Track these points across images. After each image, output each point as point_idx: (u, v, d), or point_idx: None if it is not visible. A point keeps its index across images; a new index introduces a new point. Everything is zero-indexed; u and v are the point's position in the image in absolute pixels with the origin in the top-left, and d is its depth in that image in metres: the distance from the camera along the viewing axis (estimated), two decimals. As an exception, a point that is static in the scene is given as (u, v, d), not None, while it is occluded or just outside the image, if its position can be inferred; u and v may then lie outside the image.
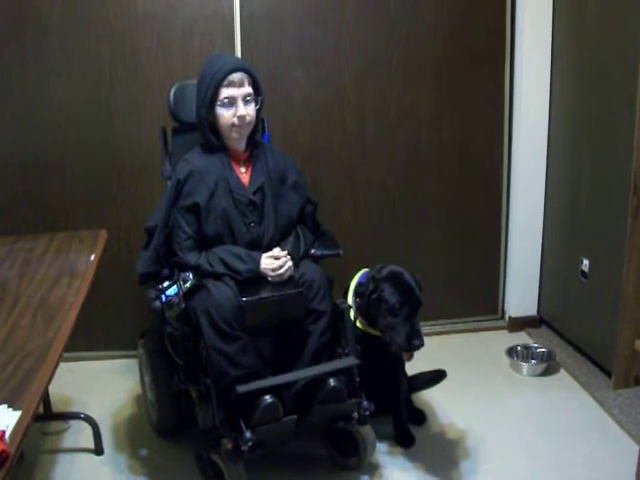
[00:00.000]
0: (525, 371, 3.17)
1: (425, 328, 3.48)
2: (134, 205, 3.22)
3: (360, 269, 2.58)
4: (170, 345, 2.51)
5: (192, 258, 2.37)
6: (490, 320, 3.71)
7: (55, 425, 2.81)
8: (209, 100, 2.38)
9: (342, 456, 2.54)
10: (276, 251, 2.38)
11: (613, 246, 2.87)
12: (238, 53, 3.14)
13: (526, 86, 3.33)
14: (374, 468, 2.52)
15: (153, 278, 2.44)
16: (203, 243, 2.41)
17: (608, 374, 3.00)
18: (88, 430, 2.68)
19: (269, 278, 2.35)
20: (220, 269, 2.32)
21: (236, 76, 2.37)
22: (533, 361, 3.23)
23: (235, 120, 2.39)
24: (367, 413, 2.32)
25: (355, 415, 2.32)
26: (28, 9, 3.00)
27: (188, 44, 3.12)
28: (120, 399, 3.04)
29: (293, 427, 2.22)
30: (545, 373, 3.16)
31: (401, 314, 2.30)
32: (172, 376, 2.56)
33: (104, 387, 3.13)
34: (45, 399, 2.73)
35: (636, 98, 2.63)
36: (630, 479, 2.19)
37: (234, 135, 2.43)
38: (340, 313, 2.40)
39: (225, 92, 2.37)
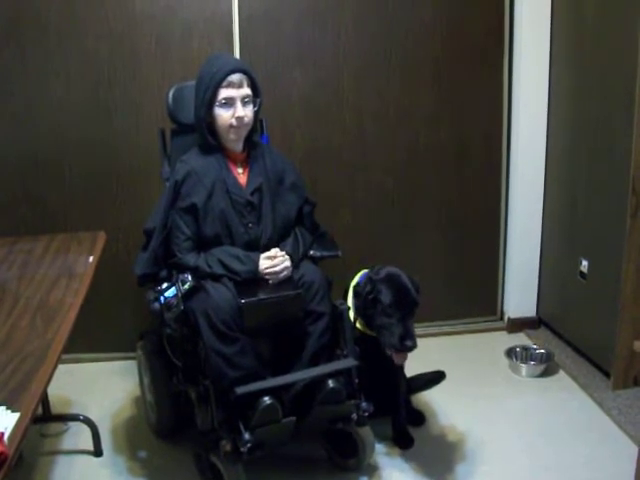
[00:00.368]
0: (524, 372, 3.17)
1: (424, 329, 3.53)
2: (133, 206, 3.22)
3: (359, 270, 2.58)
4: (169, 346, 2.51)
5: (191, 259, 2.37)
6: (489, 321, 3.71)
7: (54, 427, 2.81)
8: (208, 100, 2.38)
9: (341, 457, 2.54)
10: (273, 251, 2.38)
11: (612, 247, 2.87)
12: (237, 54, 3.14)
13: (525, 87, 3.33)
14: (373, 469, 2.52)
15: (152, 279, 2.44)
16: (201, 244, 2.41)
17: (607, 375, 3.00)
18: (87, 432, 2.68)
19: (267, 278, 2.35)
20: (219, 270, 2.32)
21: (235, 77, 2.37)
22: (532, 362, 3.23)
23: (233, 121, 2.39)
24: (366, 414, 2.32)
25: (354, 416, 2.32)
26: (27, 9, 3.00)
27: (187, 45, 3.12)
28: (119, 401, 3.03)
29: (292, 428, 2.22)
30: (544, 374, 3.16)
31: (395, 315, 2.31)
32: (171, 377, 2.56)
33: (103, 389, 3.13)
34: (44, 401, 2.72)
35: (635, 99, 2.63)
36: (629, 479, 2.19)
37: (232, 136, 2.43)
38: (339, 314, 2.39)
39: (224, 93, 2.37)
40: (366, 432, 2.43)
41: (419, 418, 2.81)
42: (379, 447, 2.60)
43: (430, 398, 2.96)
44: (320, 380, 2.24)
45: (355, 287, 2.51)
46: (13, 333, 1.80)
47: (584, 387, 3.01)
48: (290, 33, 3.20)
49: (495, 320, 3.72)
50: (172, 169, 2.60)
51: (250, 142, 2.52)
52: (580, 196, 3.18)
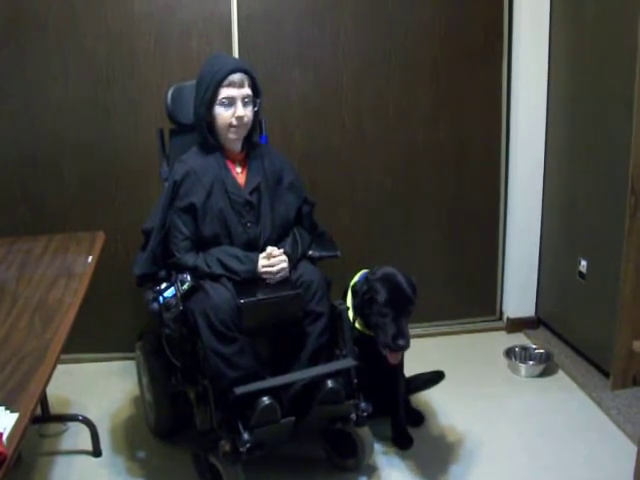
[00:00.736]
0: (523, 372, 3.17)
1: (423, 329, 3.53)
2: (132, 206, 3.22)
3: (358, 270, 2.58)
4: (168, 347, 2.51)
5: (189, 259, 2.37)
6: (488, 321, 3.71)
7: (53, 427, 2.81)
8: (208, 99, 2.38)
9: (340, 457, 2.54)
10: (270, 249, 2.37)
11: (611, 247, 2.87)
12: (236, 54, 3.14)
13: (524, 85, 3.33)
14: (372, 469, 2.52)
15: (150, 280, 2.44)
16: (200, 244, 2.41)
17: (606, 375, 3.00)
18: (86, 432, 2.68)
19: (264, 277, 2.35)
20: (218, 270, 2.32)
21: (237, 77, 2.37)
22: (531, 362, 3.23)
23: (233, 120, 2.39)
24: (365, 414, 2.32)
25: (353, 416, 2.32)
26: (26, 9, 3.00)
27: (186, 45, 3.12)
28: (118, 401, 3.03)
29: (291, 428, 2.22)
30: (543, 374, 3.16)
31: (389, 314, 2.32)
32: (170, 378, 2.56)
33: (102, 389, 3.13)
34: (43, 401, 2.72)
35: (634, 97, 2.63)
36: (628, 479, 2.19)
37: (231, 136, 2.43)
38: (338, 314, 2.39)
39: (225, 92, 2.37)
40: (365, 432, 2.43)
41: (418, 418, 2.81)
42: (378, 447, 2.60)
43: (429, 398, 2.96)
44: (319, 380, 2.24)
45: (353, 287, 2.51)
46: (12, 333, 1.80)
47: (583, 387, 3.01)
48: (289, 33, 3.20)
49: (494, 320, 3.72)
50: (171, 169, 2.60)
51: (249, 142, 2.52)
52: (579, 196, 3.18)
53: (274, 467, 2.50)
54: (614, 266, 2.82)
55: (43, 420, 2.77)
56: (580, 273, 3.17)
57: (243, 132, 2.45)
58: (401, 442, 2.65)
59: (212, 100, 2.38)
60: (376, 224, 3.48)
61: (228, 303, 2.22)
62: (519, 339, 3.53)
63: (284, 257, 2.37)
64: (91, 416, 2.74)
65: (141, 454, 2.66)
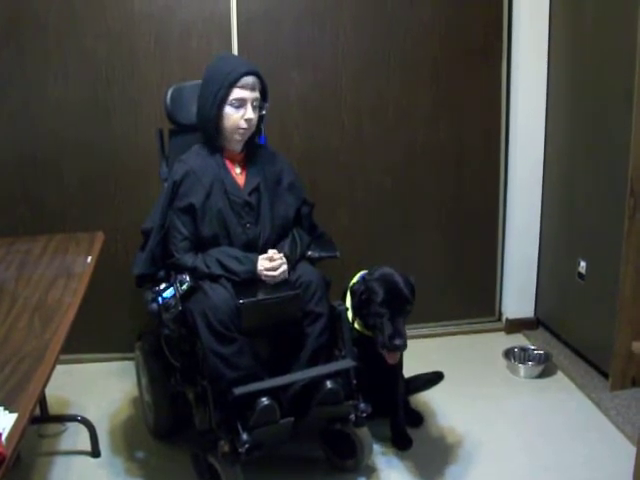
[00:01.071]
0: (522, 373, 3.17)
1: (422, 330, 3.53)
2: (131, 207, 3.22)
3: (357, 271, 2.58)
4: (167, 347, 2.51)
5: (189, 260, 2.37)
6: (487, 322, 3.71)
7: (52, 427, 2.81)
8: (220, 98, 2.37)
9: (339, 458, 2.54)
10: (271, 252, 2.38)
11: (610, 247, 2.87)
12: (235, 54, 3.14)
13: (523, 86, 3.33)
14: (371, 470, 2.52)
15: (150, 280, 2.44)
16: (199, 244, 2.41)
17: (605, 375, 3.00)
18: (85, 432, 2.68)
19: (264, 279, 2.35)
20: (217, 270, 2.32)
21: (250, 79, 2.38)
22: (530, 363, 3.23)
23: (242, 122, 2.39)
24: (364, 415, 2.32)
25: (352, 417, 2.32)
26: (26, 9, 3.00)
27: (185, 45, 3.12)
28: (117, 401, 3.03)
29: (290, 429, 2.22)
30: (542, 375, 3.16)
31: (386, 313, 2.32)
32: (169, 378, 2.55)
33: (101, 389, 3.13)
34: (42, 401, 2.72)
35: (634, 97, 2.63)
36: (627, 479, 2.20)
37: (237, 137, 2.43)
38: (337, 315, 2.39)
39: (237, 93, 2.37)
40: (364, 433, 2.43)
41: (417, 419, 2.81)
42: (377, 448, 2.60)
43: (428, 399, 2.96)
44: (318, 381, 2.24)
45: (351, 287, 2.51)
46: (11, 333, 1.79)
47: (582, 388, 3.01)
48: (289, 33, 3.20)
49: (493, 321, 3.72)
50: (170, 169, 2.60)
51: (249, 143, 2.52)
52: (578, 197, 3.18)
53: (273, 468, 2.49)
54: (613, 267, 2.83)
55: (42, 420, 2.77)
56: (579, 274, 3.17)
57: (248, 134, 2.45)
58: (400, 443, 2.65)
59: (223, 100, 2.38)
60: (375, 225, 3.48)
61: (227, 303, 2.22)
62: (518, 340, 3.53)
63: (284, 260, 2.37)
64: (90, 416, 2.73)
65: (140, 454, 2.66)
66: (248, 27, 3.14)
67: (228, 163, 2.48)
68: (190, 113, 2.62)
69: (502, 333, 3.64)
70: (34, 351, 1.68)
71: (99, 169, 3.20)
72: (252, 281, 2.34)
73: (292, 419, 2.20)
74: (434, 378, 2.92)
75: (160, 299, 2.30)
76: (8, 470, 1.25)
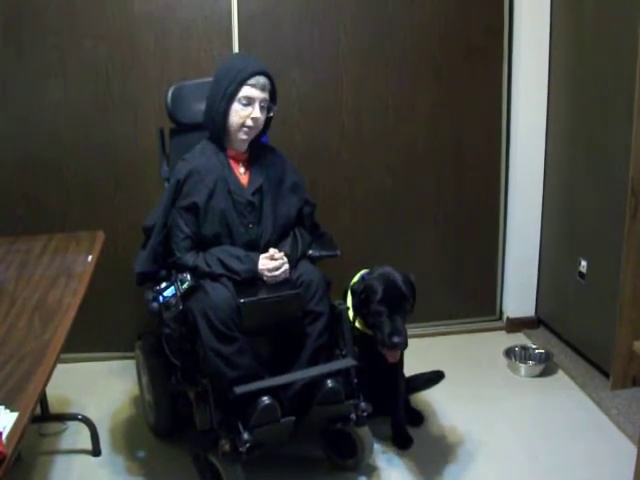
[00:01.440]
0: (523, 372, 3.17)
1: (423, 329, 3.53)
2: (132, 206, 3.22)
3: (358, 270, 2.58)
4: (167, 346, 2.51)
5: (190, 259, 2.37)
6: (488, 321, 3.71)
7: (52, 426, 2.81)
8: (230, 94, 2.37)
9: (340, 457, 2.54)
10: (272, 251, 2.37)
11: (611, 247, 2.87)
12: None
13: (524, 86, 3.33)
14: (372, 469, 2.52)
15: (150, 278, 2.44)
16: (201, 243, 2.41)
17: (606, 375, 3.00)
18: (85, 431, 2.68)
19: (264, 278, 2.35)
20: (218, 269, 2.32)
21: (261, 79, 2.38)
22: (531, 362, 3.23)
23: (248, 121, 2.39)
24: (365, 414, 2.32)
25: (353, 416, 2.32)
26: (26, 9, 2.99)
27: (186, 44, 3.12)
28: (118, 400, 3.03)
29: (291, 428, 2.22)
30: (543, 374, 3.16)
31: (384, 311, 2.33)
32: (169, 377, 2.55)
33: (102, 388, 3.13)
34: (42, 400, 2.72)
35: (634, 98, 2.63)
36: (628, 479, 2.19)
37: (241, 136, 2.43)
38: (338, 314, 2.39)
39: (247, 91, 2.37)
40: (365, 432, 2.43)
41: (418, 418, 2.81)
42: (378, 447, 2.60)
43: (429, 398, 2.96)
44: (319, 380, 2.24)
45: (352, 286, 2.52)
46: (11, 333, 1.79)
47: (583, 387, 3.01)
48: (289, 33, 3.20)
49: (494, 320, 3.72)
50: (171, 168, 2.60)
51: (253, 143, 2.52)
52: (579, 196, 3.18)
53: (274, 467, 2.49)
54: (614, 266, 2.82)
55: (43, 419, 2.76)
56: (580, 273, 3.16)
57: (253, 134, 2.45)
58: (401, 442, 2.65)
59: (232, 96, 2.37)
60: (376, 224, 3.48)
61: (228, 303, 2.22)
62: (519, 339, 3.53)
63: (285, 259, 2.37)
64: (91, 415, 2.73)
65: (140, 454, 2.66)
66: (249, 27, 3.14)
67: (232, 163, 2.48)
68: (191, 112, 2.62)
69: (503, 332, 3.64)
70: (34, 351, 1.68)
71: (99, 168, 3.20)
72: (253, 280, 2.34)
73: (293, 418, 2.20)
74: (435, 377, 2.92)
75: (161, 298, 2.30)
76: (9, 469, 1.25)
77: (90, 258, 2.40)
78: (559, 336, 3.45)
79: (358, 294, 2.43)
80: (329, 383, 2.22)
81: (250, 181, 2.47)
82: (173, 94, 2.65)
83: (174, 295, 2.29)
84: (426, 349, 3.34)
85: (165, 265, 2.44)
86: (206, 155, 2.46)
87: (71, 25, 3.03)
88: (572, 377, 3.11)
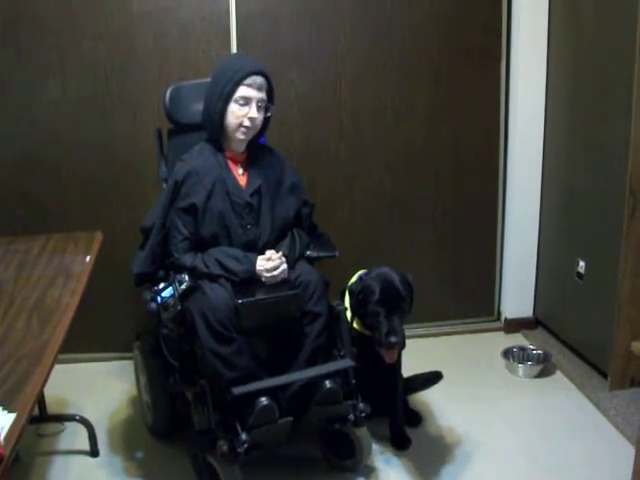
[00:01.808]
0: (521, 373, 3.17)
1: (421, 329, 3.53)
2: (130, 206, 3.21)
3: (356, 270, 2.58)
4: (165, 347, 2.50)
5: (188, 260, 2.36)
6: (486, 321, 3.71)
7: (50, 427, 2.81)
8: (227, 94, 2.37)
9: (338, 458, 2.54)
10: (269, 253, 2.37)
11: (609, 247, 2.87)
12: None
13: (522, 86, 3.33)
14: (370, 470, 2.52)
15: (148, 279, 2.44)
16: (199, 244, 2.41)
17: (604, 375, 3.00)
18: (83, 432, 2.68)
19: (263, 279, 2.35)
20: (216, 270, 2.32)
21: (258, 79, 2.38)
22: (529, 363, 3.23)
23: (245, 121, 2.39)
24: (363, 415, 2.32)
25: (351, 417, 2.32)
26: (24, 9, 2.99)
27: (184, 45, 3.12)
28: (116, 401, 3.03)
29: (289, 429, 2.22)
30: (541, 375, 3.16)
31: (382, 311, 2.33)
32: (168, 378, 2.55)
33: (100, 389, 3.13)
34: (40, 401, 2.71)
35: (632, 98, 2.63)
36: (626, 480, 2.20)
37: (239, 136, 2.42)
38: (336, 315, 2.40)
39: (243, 91, 2.37)
40: (363, 433, 2.43)
41: (416, 419, 2.81)
42: (376, 447, 2.60)
43: (427, 398, 2.96)
44: (317, 380, 2.24)
45: (349, 287, 2.52)
46: (9, 333, 1.79)
47: (581, 388, 3.01)
48: (287, 33, 3.20)
49: (492, 320, 3.72)
50: (169, 169, 2.60)
51: (252, 144, 2.52)
52: (577, 196, 3.18)
53: (272, 467, 2.49)
54: (612, 267, 2.82)
55: (41, 420, 2.76)
56: (578, 274, 3.17)
57: (251, 135, 2.45)
58: (399, 442, 2.65)
59: (229, 96, 2.38)
60: (374, 224, 3.48)
61: (226, 303, 2.22)
62: (517, 340, 3.53)
63: (283, 259, 2.37)
64: (89, 416, 2.73)
65: (139, 454, 2.66)
66: (247, 27, 3.14)
67: (230, 164, 2.48)
68: (189, 112, 2.62)
69: (501, 333, 3.64)
70: (32, 351, 1.68)
71: (98, 169, 3.20)
72: (251, 281, 2.34)
73: (291, 419, 2.20)
74: (433, 378, 2.92)
75: (159, 298, 2.30)
76: (7, 469, 1.25)
77: (88, 258, 2.40)
78: (557, 337, 3.45)
79: (356, 295, 2.44)
80: (327, 384, 2.22)
81: (248, 182, 2.47)
82: (171, 94, 2.65)
83: (172, 296, 2.29)
84: (424, 350, 3.34)
85: (163, 266, 2.44)
86: (204, 156, 2.46)
87: (70, 25, 3.03)
88: (570, 378, 3.11)
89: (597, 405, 2.86)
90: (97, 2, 3.02)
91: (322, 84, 3.28)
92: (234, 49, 3.14)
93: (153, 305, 2.31)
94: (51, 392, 2.81)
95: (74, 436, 2.75)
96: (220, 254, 2.35)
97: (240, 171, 2.49)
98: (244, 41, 3.15)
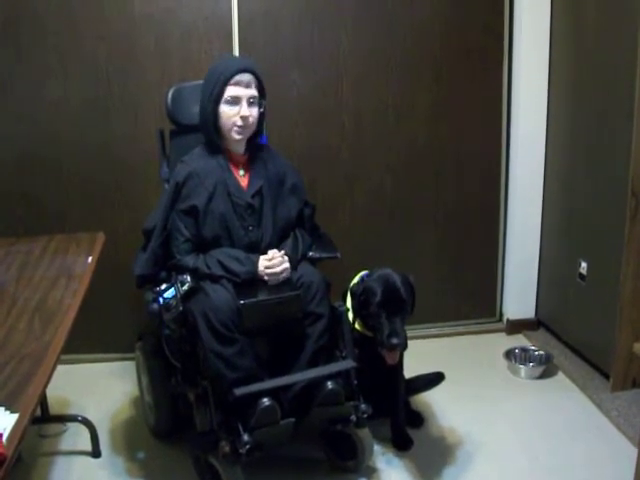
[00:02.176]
0: (523, 374, 3.17)
1: (423, 330, 3.53)
2: (132, 207, 3.22)
3: (358, 271, 2.58)
4: (167, 348, 2.50)
5: (189, 261, 2.36)
6: (488, 323, 3.71)
7: (52, 428, 2.81)
8: (215, 97, 2.37)
9: (340, 459, 2.54)
10: (271, 253, 2.37)
11: (611, 248, 2.87)
12: (236, 54, 3.14)
13: (524, 86, 3.33)
14: (372, 471, 2.52)
15: (150, 281, 2.44)
16: (201, 246, 2.41)
17: (606, 376, 3.00)
18: (85, 433, 2.68)
19: (265, 278, 2.35)
20: (218, 271, 2.32)
21: (244, 76, 2.38)
22: (531, 364, 3.23)
23: (238, 120, 2.39)
24: (365, 416, 2.32)
25: (353, 418, 2.32)
26: (25, 9, 3.00)
27: (186, 46, 3.12)
28: (118, 402, 3.03)
29: (291, 430, 2.22)
30: (543, 376, 3.16)
31: (383, 313, 2.33)
32: (170, 379, 2.55)
33: (102, 390, 3.13)
34: (42, 401, 2.72)
35: (635, 99, 2.63)
36: (628, 481, 2.19)
37: (235, 136, 2.42)
38: (338, 316, 2.39)
39: (231, 90, 2.37)
40: (365, 434, 2.43)
41: (418, 419, 2.80)
42: (378, 448, 2.60)
43: (429, 399, 2.96)
44: (319, 381, 2.24)
45: (351, 288, 2.52)
46: (11, 334, 1.79)
47: (583, 389, 3.01)
48: (289, 34, 3.20)
49: (494, 322, 3.72)
50: (171, 170, 2.60)
51: (252, 144, 2.52)
52: (579, 198, 3.17)
53: (274, 468, 2.49)
54: (614, 268, 2.82)
55: (43, 421, 2.77)
56: (580, 275, 3.16)
57: (247, 133, 2.45)
58: (401, 443, 2.65)
59: (218, 98, 2.38)
60: (376, 225, 3.48)
61: (228, 304, 2.22)
62: (519, 341, 3.53)
63: (285, 258, 2.37)
64: (91, 417, 2.73)
65: (140, 455, 2.66)
66: (249, 28, 3.14)
67: (232, 165, 2.47)
68: (191, 113, 2.62)
69: (503, 334, 3.64)
70: (34, 352, 1.68)
71: (99, 169, 3.20)
72: (253, 282, 2.34)
73: (293, 420, 2.20)
74: (435, 379, 2.92)
75: (161, 299, 2.30)
76: (9, 470, 1.25)
77: (90, 259, 2.41)
78: (559, 338, 3.44)
79: (357, 296, 2.44)
80: (329, 385, 2.22)
81: (250, 183, 2.47)
82: (173, 95, 2.66)
83: (174, 296, 2.29)
84: (426, 351, 3.34)
85: (165, 267, 2.44)
86: (205, 157, 2.46)
87: (71, 26, 3.03)
88: (572, 379, 3.11)
89: (599, 406, 2.85)
90: (98, 3, 3.02)
91: (324, 85, 3.28)
92: (236, 50, 3.14)
93: (155, 306, 2.30)
94: (53, 393, 2.81)
95: (76, 437, 2.75)
96: (222, 255, 2.35)
97: (241, 172, 2.49)
98: (246, 42, 3.15)
